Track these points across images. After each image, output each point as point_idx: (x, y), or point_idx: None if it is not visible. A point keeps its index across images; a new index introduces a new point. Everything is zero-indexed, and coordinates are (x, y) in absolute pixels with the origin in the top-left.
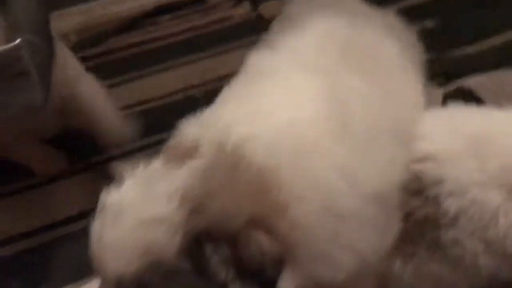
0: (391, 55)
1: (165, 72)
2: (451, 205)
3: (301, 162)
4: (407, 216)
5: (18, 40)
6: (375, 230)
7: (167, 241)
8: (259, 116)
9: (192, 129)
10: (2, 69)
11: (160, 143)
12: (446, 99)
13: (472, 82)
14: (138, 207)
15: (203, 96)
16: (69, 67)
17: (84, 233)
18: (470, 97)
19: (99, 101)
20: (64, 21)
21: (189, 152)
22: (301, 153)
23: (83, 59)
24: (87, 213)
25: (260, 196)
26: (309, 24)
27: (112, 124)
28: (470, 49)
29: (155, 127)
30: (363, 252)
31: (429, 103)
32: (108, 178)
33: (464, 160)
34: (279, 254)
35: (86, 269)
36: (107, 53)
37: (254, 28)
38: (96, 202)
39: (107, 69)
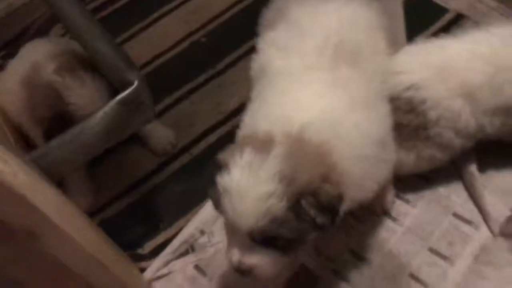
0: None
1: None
2: (433, 114)
3: (340, 133)
4: (406, 126)
5: (137, 81)
6: (383, 163)
7: (277, 205)
8: (303, 108)
9: (261, 124)
10: (131, 103)
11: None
12: None
13: None
14: (254, 186)
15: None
16: None
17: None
18: None
19: None
20: None
21: (267, 143)
22: (338, 127)
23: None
24: None
25: (321, 161)
26: (304, 21)
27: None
28: None
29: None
30: (380, 178)
31: None
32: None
33: (436, 84)
34: (338, 193)
35: (188, 203)
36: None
37: None
38: None
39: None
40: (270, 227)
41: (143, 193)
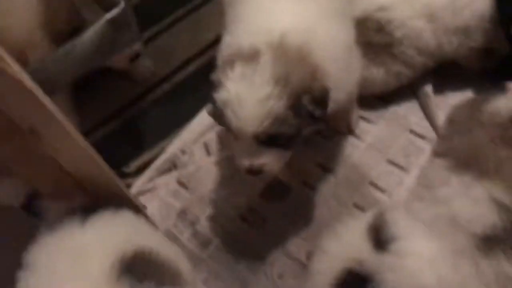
0: None
1: None
2: (398, 33)
3: (315, 37)
4: (375, 44)
5: (122, 1)
6: (352, 70)
7: (277, 105)
8: (280, 18)
9: (243, 40)
10: (117, 22)
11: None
12: None
13: None
14: (252, 92)
15: None
16: None
17: None
18: None
19: None
20: None
21: (254, 54)
22: (312, 32)
23: None
24: None
25: (306, 62)
26: None
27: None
28: None
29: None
30: (350, 84)
31: None
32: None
33: (402, 5)
34: (326, 87)
35: (170, 126)
36: None
37: None
38: None
39: None
40: (273, 127)
41: (127, 118)
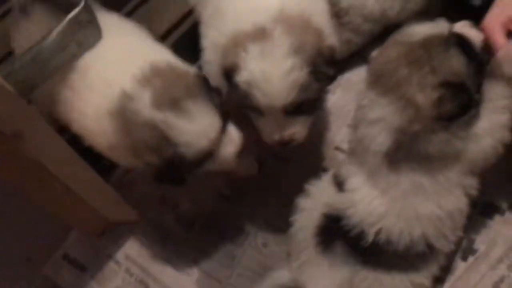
0: None
1: None
2: (344, 4)
3: (307, 6)
4: None
5: (83, 1)
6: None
7: (300, 74)
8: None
9: (242, 22)
10: (80, 21)
11: None
12: None
13: None
14: (277, 66)
15: None
16: None
17: None
18: None
19: None
20: None
21: (262, 31)
22: (309, 2)
23: None
24: None
25: (310, 27)
26: None
27: None
28: None
29: None
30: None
31: None
32: None
33: None
34: (333, 46)
35: None
36: None
37: None
38: None
39: None
40: (299, 95)
41: None
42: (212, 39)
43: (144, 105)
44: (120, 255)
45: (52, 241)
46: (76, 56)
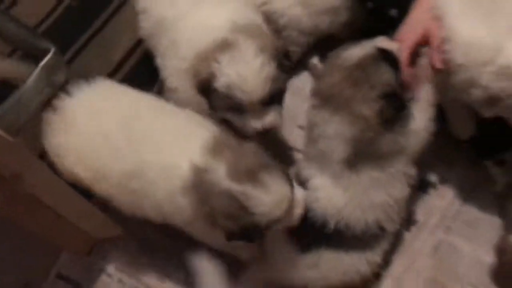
0: None
1: None
2: (282, 21)
3: (256, 17)
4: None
5: (52, 48)
6: None
7: (270, 68)
8: (221, 14)
9: (203, 41)
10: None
11: None
12: None
13: None
14: (250, 67)
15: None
16: None
17: None
18: None
19: None
20: None
21: (226, 42)
22: (250, 15)
23: None
24: None
25: (264, 32)
26: None
27: None
28: None
29: None
30: None
31: None
32: None
33: None
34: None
35: None
36: None
37: None
38: None
39: None
40: (272, 86)
41: None
42: (174, 67)
43: (220, 176)
44: (110, 268)
45: (46, 264)
46: (51, 95)
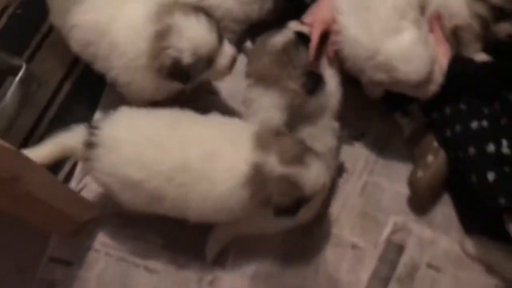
0: None
1: None
2: (217, 14)
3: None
4: None
5: (24, 63)
6: None
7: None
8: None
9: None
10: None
11: None
12: None
13: None
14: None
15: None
16: None
17: None
18: None
19: None
20: None
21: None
22: None
23: None
24: None
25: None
26: None
27: None
28: None
29: None
30: None
31: None
32: None
33: None
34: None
35: None
36: None
37: None
38: None
39: None
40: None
41: None
42: (122, 66)
43: (274, 165)
44: (97, 244)
45: (37, 249)
46: (31, 105)
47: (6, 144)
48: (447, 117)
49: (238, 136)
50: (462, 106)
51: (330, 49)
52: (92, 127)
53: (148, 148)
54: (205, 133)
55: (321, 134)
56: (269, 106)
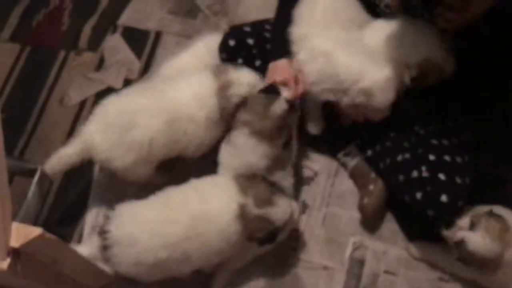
0: None
1: None
2: None
3: None
4: None
5: (39, 166)
6: None
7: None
8: None
9: None
10: (41, 181)
11: None
12: None
13: None
14: None
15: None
16: None
17: None
18: None
19: None
20: None
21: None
22: None
23: None
24: None
25: None
26: None
27: None
28: None
29: None
30: None
31: None
32: None
33: None
34: None
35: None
36: None
37: None
38: None
39: None
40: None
41: None
42: None
43: (252, 207)
44: None
45: None
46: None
47: (50, 235)
48: (378, 153)
49: (223, 183)
50: (388, 144)
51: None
52: (102, 232)
53: (158, 229)
54: (196, 191)
55: (287, 175)
56: (260, 155)
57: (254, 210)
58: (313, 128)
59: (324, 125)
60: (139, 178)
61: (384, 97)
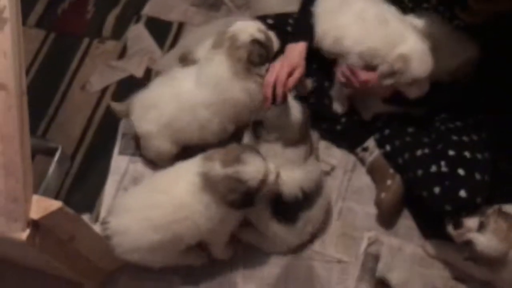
0: None
1: None
2: None
3: None
4: None
5: (60, 145)
6: None
7: None
8: None
9: None
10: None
11: None
12: None
13: None
14: None
15: None
16: None
17: None
18: None
19: None
20: None
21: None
22: None
23: None
24: None
25: None
26: None
27: None
28: None
29: None
30: None
31: None
32: None
33: None
34: None
35: None
36: None
37: None
38: None
39: None
40: None
41: None
42: None
43: (218, 169)
44: None
45: None
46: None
47: (69, 210)
48: (397, 148)
49: (190, 163)
50: (408, 139)
51: (291, 83)
52: (103, 223)
53: (145, 214)
54: (177, 174)
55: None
56: (285, 161)
57: (220, 171)
58: (338, 107)
59: (348, 106)
60: (159, 151)
61: (421, 67)
